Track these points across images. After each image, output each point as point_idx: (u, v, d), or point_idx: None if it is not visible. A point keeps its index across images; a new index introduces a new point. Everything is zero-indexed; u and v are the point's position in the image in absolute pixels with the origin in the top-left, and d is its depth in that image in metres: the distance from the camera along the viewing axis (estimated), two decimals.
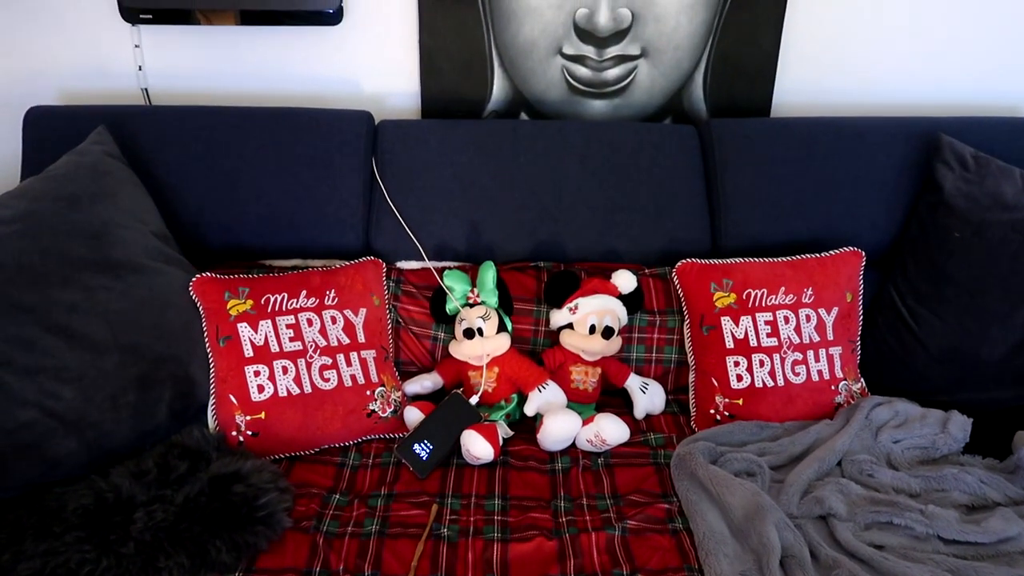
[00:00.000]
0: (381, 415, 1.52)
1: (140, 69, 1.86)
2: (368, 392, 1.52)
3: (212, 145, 1.68)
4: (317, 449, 1.50)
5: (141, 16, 1.77)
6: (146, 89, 1.88)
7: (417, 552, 1.25)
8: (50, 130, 1.68)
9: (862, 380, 1.64)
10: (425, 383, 1.61)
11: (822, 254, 1.65)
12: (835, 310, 1.61)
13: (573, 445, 1.52)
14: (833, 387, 1.59)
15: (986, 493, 1.37)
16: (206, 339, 1.48)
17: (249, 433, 1.44)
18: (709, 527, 1.30)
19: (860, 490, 1.38)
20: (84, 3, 1.80)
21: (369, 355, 1.54)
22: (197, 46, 1.86)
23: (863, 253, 1.65)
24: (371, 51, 1.87)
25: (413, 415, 1.53)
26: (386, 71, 1.89)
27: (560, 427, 1.48)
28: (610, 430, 1.48)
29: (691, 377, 1.64)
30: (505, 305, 1.63)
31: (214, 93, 1.90)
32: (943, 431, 1.49)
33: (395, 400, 1.55)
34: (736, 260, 1.63)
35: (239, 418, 1.44)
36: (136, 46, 1.85)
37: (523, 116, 1.91)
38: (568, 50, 1.85)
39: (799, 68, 1.91)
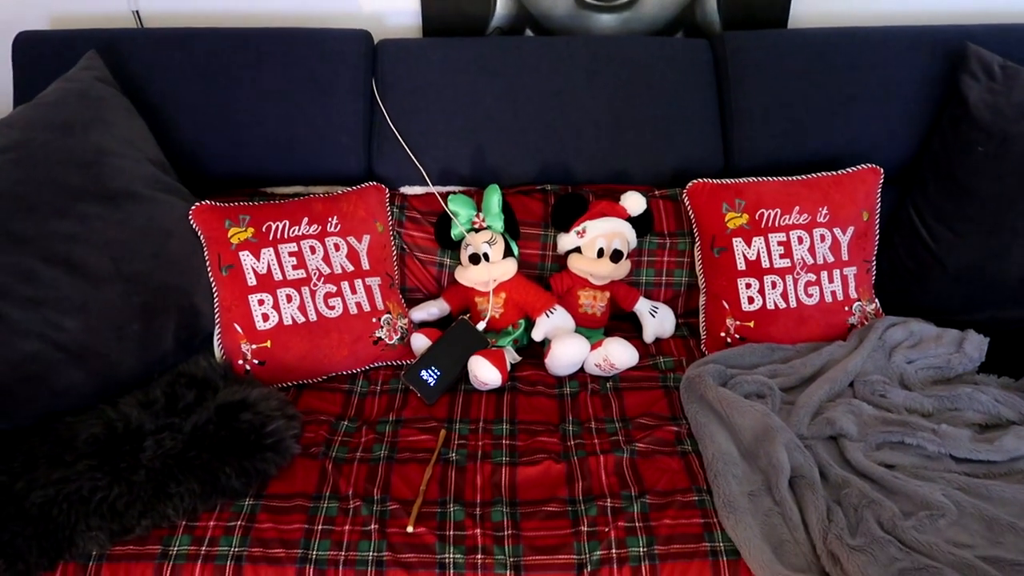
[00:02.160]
0: (388, 342, 1.51)
1: None
2: (374, 319, 1.50)
3: (206, 69, 1.63)
4: (324, 377, 1.49)
5: None
6: (137, 12, 1.81)
7: (426, 476, 1.26)
8: (40, 56, 1.63)
9: (877, 301, 1.60)
10: (432, 310, 1.59)
11: (838, 172, 1.59)
12: (851, 229, 1.56)
13: (581, 370, 1.51)
14: (847, 308, 1.55)
15: (1000, 412, 1.35)
16: (209, 268, 1.46)
17: (256, 362, 1.43)
18: (718, 448, 1.29)
19: (872, 410, 1.36)
20: None
21: (374, 282, 1.52)
22: None
23: (881, 170, 1.59)
24: None
25: (420, 342, 1.52)
26: None
27: (568, 352, 1.46)
28: (618, 354, 1.46)
29: (701, 300, 1.62)
30: (511, 229, 1.59)
31: (208, 13, 1.83)
32: (958, 350, 1.47)
33: (402, 327, 1.54)
34: (749, 180, 1.58)
35: (245, 347, 1.43)
36: None
37: (528, 33, 1.83)
38: None
39: None
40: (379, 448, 1.32)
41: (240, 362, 1.43)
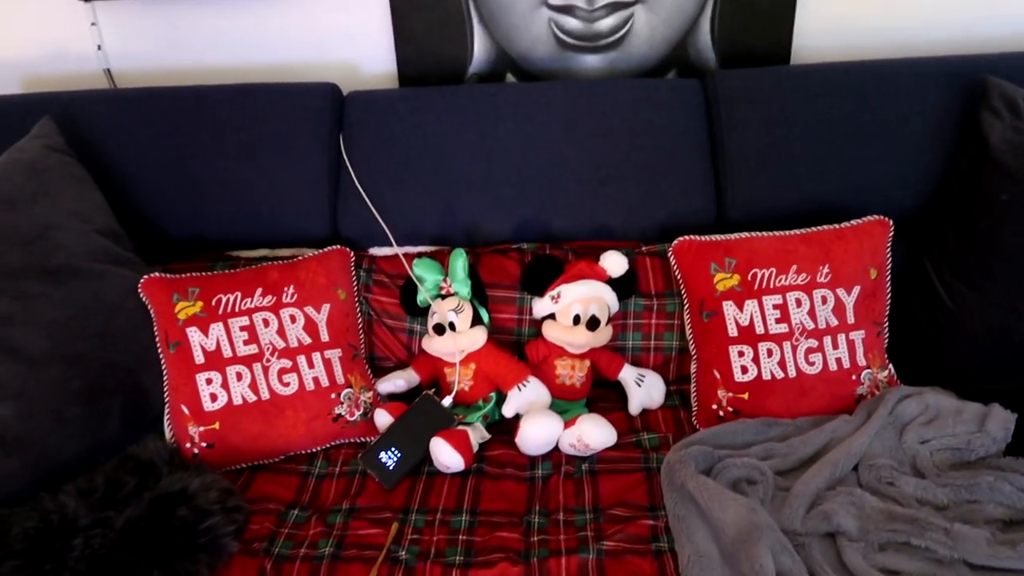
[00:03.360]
0: (349, 419, 1.41)
1: (100, 49, 1.75)
2: (333, 395, 1.41)
3: (170, 129, 1.57)
4: (281, 457, 1.40)
5: None
6: (108, 70, 1.77)
7: None
8: (4, 122, 1.59)
9: (891, 367, 1.44)
10: (398, 382, 1.49)
11: (842, 224, 1.43)
12: (856, 289, 1.40)
13: (557, 448, 1.39)
14: (855, 376, 1.40)
15: None
16: (158, 344, 1.39)
17: (204, 445, 1.35)
18: (696, 549, 1.15)
19: (876, 502, 1.20)
20: None
21: (334, 354, 1.43)
22: (157, 21, 1.73)
23: (890, 222, 1.43)
24: (340, 16, 1.71)
25: (383, 419, 1.41)
26: (358, 36, 1.73)
27: (538, 432, 1.34)
28: (593, 434, 1.33)
29: (693, 367, 1.47)
30: (479, 295, 1.48)
31: (181, 70, 1.78)
32: (980, 429, 1.29)
33: (365, 402, 1.44)
34: (740, 235, 1.44)
35: (192, 429, 1.35)
36: (93, 24, 1.73)
37: (509, 78, 1.73)
38: (554, 0, 1.65)
39: (822, 3, 1.66)
40: (325, 544, 1.22)
41: (188, 445, 1.35)
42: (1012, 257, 1.36)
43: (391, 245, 1.58)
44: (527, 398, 1.41)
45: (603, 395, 1.52)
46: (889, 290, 1.45)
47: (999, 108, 1.43)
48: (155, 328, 1.39)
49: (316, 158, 1.56)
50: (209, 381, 1.35)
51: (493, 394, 1.45)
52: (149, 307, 1.40)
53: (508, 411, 1.41)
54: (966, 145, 1.46)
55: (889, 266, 1.44)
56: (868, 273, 1.42)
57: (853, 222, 1.44)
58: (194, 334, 1.36)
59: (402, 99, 1.59)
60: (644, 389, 1.47)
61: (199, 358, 1.36)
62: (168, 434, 1.38)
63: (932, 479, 1.24)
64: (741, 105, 1.54)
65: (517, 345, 1.53)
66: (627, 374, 1.48)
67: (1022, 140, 1.38)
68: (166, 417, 1.38)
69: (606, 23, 1.66)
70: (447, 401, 1.42)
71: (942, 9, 1.66)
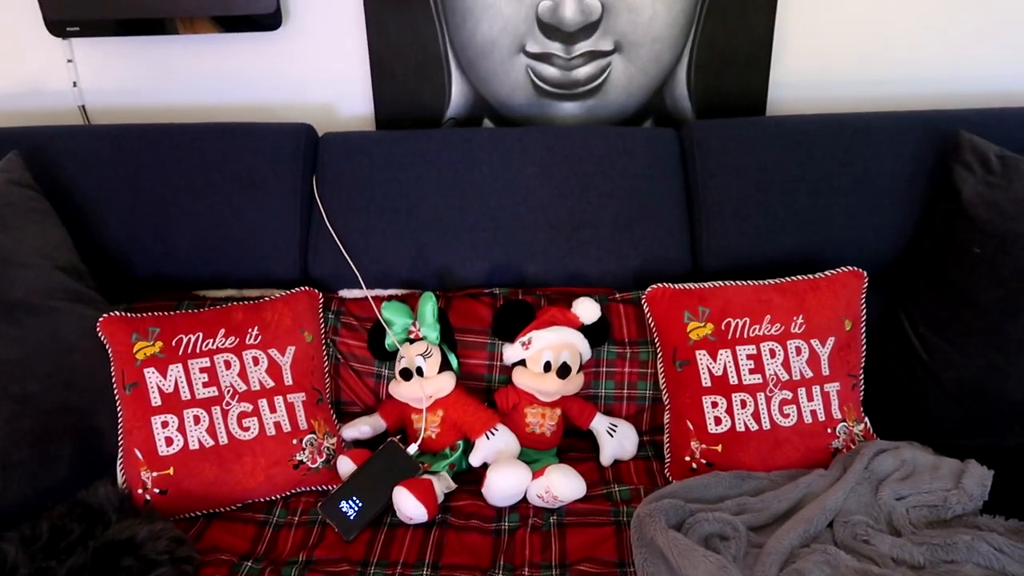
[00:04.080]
0: (311, 466, 1.37)
1: (75, 85, 1.74)
2: (295, 441, 1.36)
3: (141, 166, 1.55)
4: (239, 505, 1.35)
5: (68, 29, 1.64)
6: (83, 106, 1.76)
7: None
8: None
9: (866, 420, 1.41)
10: (363, 428, 1.44)
11: (816, 275, 1.42)
12: (831, 340, 1.38)
13: (525, 499, 1.34)
14: (830, 430, 1.37)
15: (1005, 566, 1.13)
16: (115, 385, 1.35)
17: (156, 491, 1.30)
18: None
19: (851, 561, 1.16)
20: (9, 19, 1.68)
21: (297, 398, 1.38)
22: (133, 58, 1.72)
23: (864, 273, 1.42)
24: (318, 57, 1.71)
25: (345, 466, 1.37)
26: (336, 78, 1.73)
27: (505, 482, 1.30)
28: (561, 486, 1.29)
29: (666, 418, 1.44)
30: (449, 340, 1.45)
31: (157, 108, 1.77)
32: (957, 486, 1.26)
33: (328, 448, 1.39)
34: (714, 284, 1.42)
35: (145, 475, 1.30)
36: (69, 61, 1.72)
37: (487, 123, 1.73)
38: (532, 48, 1.66)
39: (797, 56, 1.68)
40: None
41: (140, 491, 1.30)
42: (986, 311, 1.35)
43: (361, 287, 1.55)
44: (495, 447, 1.37)
45: (574, 444, 1.48)
46: (864, 342, 1.43)
47: (971, 162, 1.43)
48: (112, 368, 1.35)
49: (288, 199, 1.54)
50: (165, 424, 1.30)
51: (461, 442, 1.41)
52: (107, 346, 1.36)
53: (475, 460, 1.37)
54: (939, 198, 1.46)
55: (864, 318, 1.43)
56: (843, 324, 1.40)
57: (827, 273, 1.42)
58: (151, 375, 1.32)
59: (377, 141, 1.58)
60: (616, 439, 1.43)
61: (155, 400, 1.31)
62: (120, 479, 1.33)
63: (908, 537, 1.20)
64: (716, 154, 1.54)
65: (488, 392, 1.50)
66: (599, 423, 1.44)
67: (994, 194, 1.38)
68: (119, 461, 1.33)
69: (584, 71, 1.67)
70: (413, 449, 1.38)
71: (916, 64, 1.68)
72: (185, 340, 1.35)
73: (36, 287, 1.33)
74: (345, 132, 1.61)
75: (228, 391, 1.34)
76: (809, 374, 1.37)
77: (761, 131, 1.54)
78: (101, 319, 1.36)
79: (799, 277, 1.42)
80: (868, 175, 1.50)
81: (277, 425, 1.35)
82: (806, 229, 1.50)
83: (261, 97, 1.75)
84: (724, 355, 1.37)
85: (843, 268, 1.43)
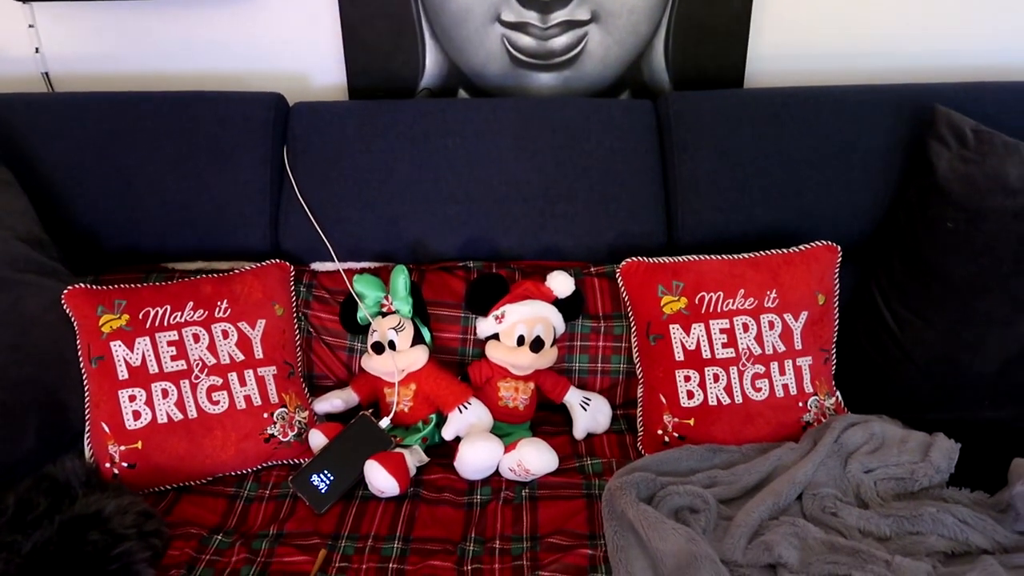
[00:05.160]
0: (282, 439, 1.36)
1: (38, 51, 1.69)
2: (266, 414, 1.35)
3: (107, 136, 1.51)
4: (209, 478, 1.34)
5: None
6: (47, 73, 1.71)
7: None
8: None
9: (838, 394, 1.42)
10: (335, 401, 1.43)
11: (790, 249, 1.42)
12: (804, 315, 1.39)
13: (497, 472, 1.34)
14: (801, 404, 1.37)
15: (969, 538, 1.15)
16: (80, 359, 1.32)
17: (124, 465, 1.28)
18: None
19: (819, 533, 1.17)
20: None
21: (268, 372, 1.37)
22: (99, 25, 1.67)
23: (838, 248, 1.42)
24: (290, 25, 1.67)
25: (317, 439, 1.36)
26: (308, 47, 1.69)
27: (477, 455, 1.30)
28: (533, 459, 1.29)
29: (639, 391, 1.44)
30: (422, 314, 1.44)
31: (122, 76, 1.72)
32: (924, 459, 1.27)
33: (299, 422, 1.38)
34: (688, 258, 1.42)
35: (112, 448, 1.28)
36: (31, 26, 1.67)
37: (461, 93, 1.70)
38: (508, 16, 1.63)
39: (775, 29, 1.66)
40: (248, 571, 1.15)
41: (107, 465, 1.28)
42: (958, 286, 1.36)
43: (333, 260, 1.53)
44: (468, 420, 1.36)
45: (548, 418, 1.48)
46: (837, 316, 1.43)
47: (947, 137, 1.43)
48: (78, 342, 1.33)
49: (258, 170, 1.51)
50: (132, 398, 1.29)
51: (433, 416, 1.40)
52: (72, 319, 1.33)
53: (448, 433, 1.37)
54: (914, 173, 1.46)
55: (837, 292, 1.43)
56: (816, 299, 1.40)
57: (801, 247, 1.42)
58: (118, 348, 1.30)
59: (349, 112, 1.55)
60: (590, 413, 1.43)
61: (122, 374, 1.29)
62: (88, 453, 1.31)
63: (875, 509, 1.22)
64: (693, 127, 1.52)
65: (461, 365, 1.49)
66: (572, 397, 1.44)
67: (968, 169, 1.38)
68: (86, 435, 1.31)
69: (560, 41, 1.65)
70: (385, 422, 1.37)
71: (894, 38, 1.67)
72: (152, 313, 1.32)
73: None
74: (316, 102, 1.58)
75: (197, 364, 1.32)
76: (782, 348, 1.37)
77: (738, 104, 1.53)
78: (66, 291, 1.33)
79: (773, 251, 1.42)
80: (844, 149, 1.49)
81: (247, 399, 1.34)
82: (781, 203, 1.50)
83: (231, 66, 1.71)
84: (697, 329, 1.37)
85: (817, 243, 1.43)
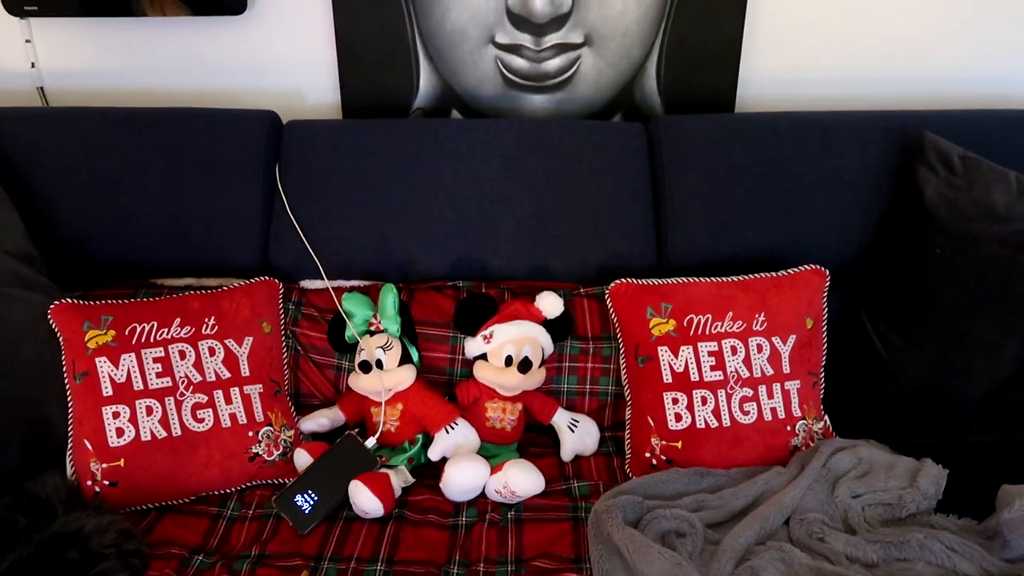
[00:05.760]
0: (267, 458, 1.35)
1: (33, 66, 1.70)
2: (251, 433, 1.34)
3: (98, 151, 1.51)
4: (192, 497, 1.32)
5: (26, 8, 1.60)
6: (42, 88, 1.72)
7: None
8: None
9: (826, 418, 1.41)
10: (322, 420, 1.42)
11: (779, 273, 1.42)
12: (792, 338, 1.39)
13: (483, 494, 1.33)
14: (789, 427, 1.37)
15: (956, 565, 1.14)
16: (65, 375, 1.31)
17: (106, 483, 1.27)
18: None
19: (805, 559, 1.16)
20: None
21: (254, 390, 1.36)
22: (95, 41, 1.68)
23: (827, 272, 1.43)
24: (284, 42, 1.68)
25: (302, 458, 1.35)
26: (303, 65, 1.70)
27: (463, 477, 1.29)
28: (519, 481, 1.28)
29: (628, 414, 1.44)
30: (410, 333, 1.44)
31: (117, 91, 1.73)
32: (912, 485, 1.27)
33: (285, 441, 1.37)
34: (678, 280, 1.42)
35: (94, 466, 1.27)
36: (27, 41, 1.68)
37: (455, 114, 1.71)
38: (502, 39, 1.64)
39: (767, 55, 1.68)
40: None
41: (89, 483, 1.27)
42: (945, 311, 1.36)
43: (323, 278, 1.53)
44: (455, 441, 1.36)
45: (535, 439, 1.48)
46: (825, 340, 1.43)
47: (934, 163, 1.44)
48: (63, 357, 1.32)
49: (250, 187, 1.52)
50: (116, 415, 1.28)
51: (420, 436, 1.39)
52: (58, 335, 1.32)
53: (434, 454, 1.36)
54: (902, 198, 1.47)
55: (825, 316, 1.43)
56: (804, 322, 1.40)
57: (790, 271, 1.43)
58: (103, 364, 1.29)
59: (342, 130, 1.56)
60: (577, 435, 1.42)
61: (107, 390, 1.28)
62: (70, 470, 1.30)
63: (863, 535, 1.21)
64: (684, 151, 1.53)
65: (449, 385, 1.48)
66: (560, 419, 1.44)
67: (956, 195, 1.39)
68: (68, 452, 1.30)
69: (553, 64, 1.66)
70: (371, 442, 1.36)
71: (884, 65, 1.68)
72: (139, 329, 1.32)
73: None
74: (310, 120, 1.58)
75: (183, 382, 1.31)
76: (770, 371, 1.37)
77: (729, 128, 1.54)
78: (52, 306, 1.33)
79: (762, 275, 1.42)
80: (833, 174, 1.50)
81: (233, 417, 1.33)
82: (771, 226, 1.50)
83: (226, 83, 1.72)
84: (686, 351, 1.37)
85: (805, 266, 1.43)
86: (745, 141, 1.52)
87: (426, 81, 1.68)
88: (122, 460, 1.27)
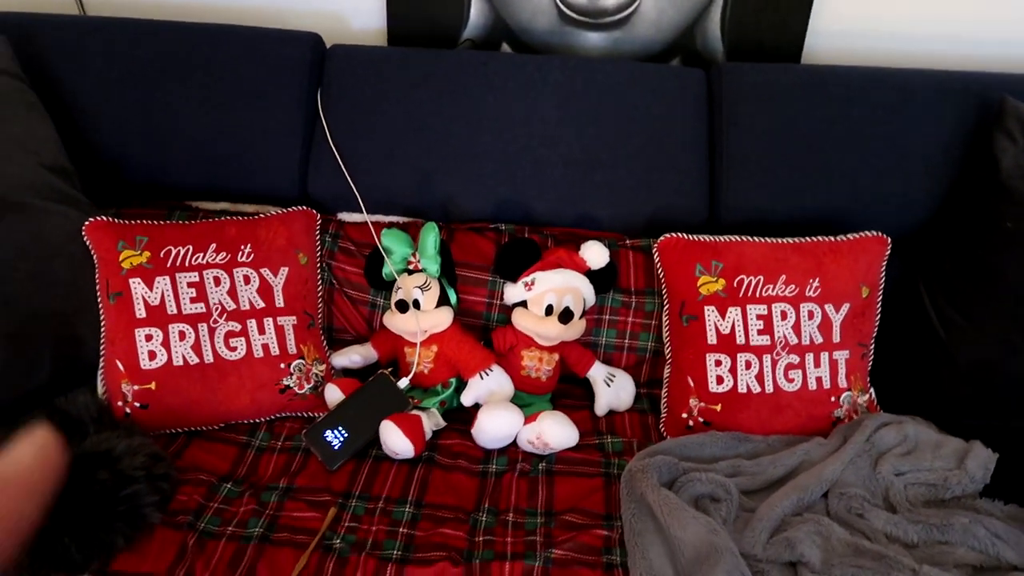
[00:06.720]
0: (297, 391, 1.33)
1: None
2: (283, 365, 1.32)
3: (137, 64, 1.46)
4: (221, 425, 1.31)
5: None
6: None
7: (297, 567, 1.07)
8: None
9: (872, 391, 1.37)
10: (354, 356, 1.40)
11: (838, 237, 1.36)
12: (846, 307, 1.33)
13: (514, 443, 1.31)
14: (833, 398, 1.33)
15: (1000, 553, 1.11)
16: (98, 293, 1.29)
17: (137, 405, 1.26)
18: (649, 567, 1.08)
19: (844, 533, 1.13)
20: None
21: (288, 321, 1.33)
22: None
23: (888, 240, 1.36)
24: None
25: (333, 394, 1.33)
26: None
27: (496, 425, 1.26)
28: (553, 433, 1.26)
29: (666, 372, 1.40)
30: (449, 274, 1.40)
31: (158, 3, 1.66)
32: (959, 466, 1.23)
33: (316, 374, 1.35)
34: (731, 238, 1.36)
35: (126, 387, 1.25)
36: None
37: (505, 48, 1.63)
38: None
39: (840, 3, 1.57)
40: (255, 523, 1.13)
41: (120, 404, 1.26)
42: (1012, 289, 1.29)
43: (361, 211, 1.48)
44: (488, 388, 1.33)
45: (569, 391, 1.45)
46: (879, 311, 1.38)
47: (1014, 131, 1.35)
48: (97, 276, 1.29)
49: (290, 111, 1.46)
50: (149, 338, 1.26)
51: (453, 380, 1.37)
52: (92, 252, 1.30)
53: (467, 400, 1.33)
54: (975, 167, 1.39)
55: (882, 286, 1.37)
56: (860, 291, 1.34)
57: (849, 236, 1.36)
58: (137, 286, 1.26)
59: (387, 58, 1.49)
60: (613, 389, 1.39)
61: (140, 312, 1.26)
62: (101, 389, 1.29)
63: (904, 514, 1.18)
64: (745, 101, 1.45)
65: (484, 330, 1.45)
66: (597, 372, 1.40)
67: None
68: (100, 371, 1.29)
69: (612, 0, 1.57)
70: (404, 383, 1.34)
71: (965, 24, 1.57)
72: (174, 252, 1.29)
73: (19, 183, 1.26)
74: (354, 45, 1.51)
75: (216, 308, 1.29)
76: (819, 340, 1.32)
77: (794, 79, 1.45)
78: (87, 223, 1.30)
79: (819, 238, 1.36)
80: (902, 135, 1.42)
81: (265, 347, 1.31)
82: (831, 187, 1.43)
83: (267, 0, 1.65)
84: (734, 313, 1.32)
85: (866, 232, 1.36)
86: (811, 95, 1.44)
87: (477, 11, 1.60)
88: (153, 383, 1.25)
